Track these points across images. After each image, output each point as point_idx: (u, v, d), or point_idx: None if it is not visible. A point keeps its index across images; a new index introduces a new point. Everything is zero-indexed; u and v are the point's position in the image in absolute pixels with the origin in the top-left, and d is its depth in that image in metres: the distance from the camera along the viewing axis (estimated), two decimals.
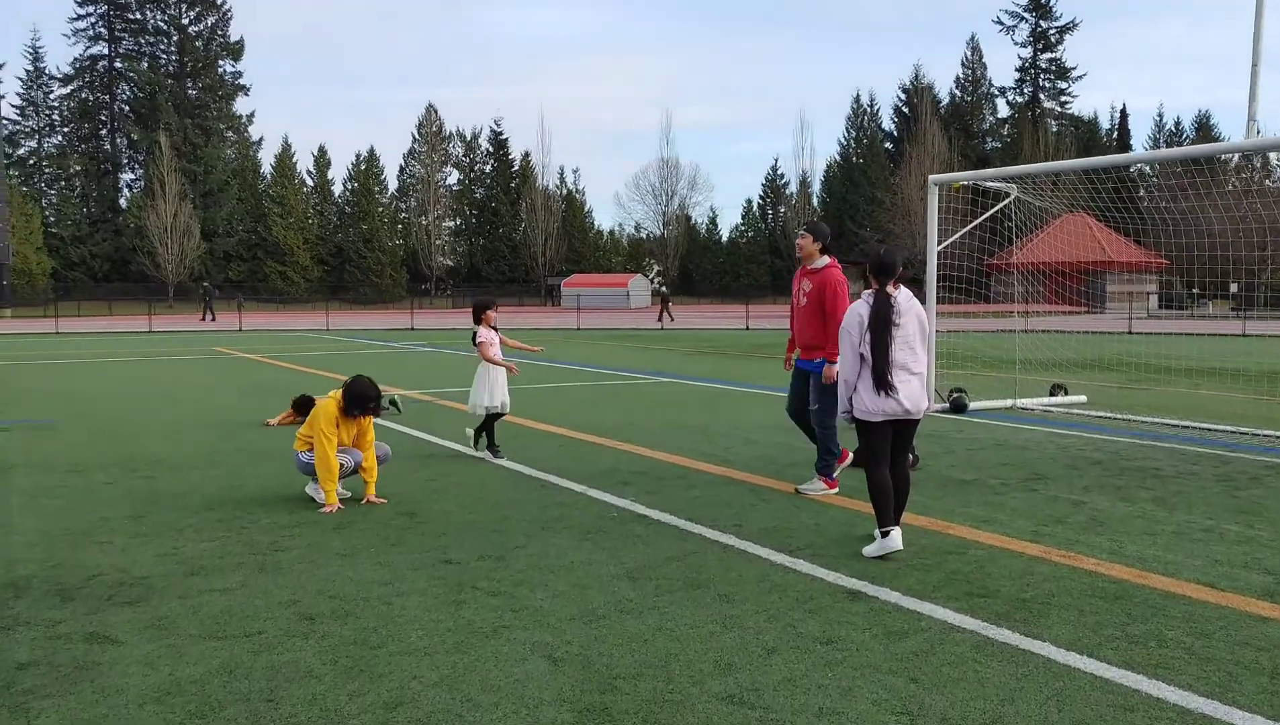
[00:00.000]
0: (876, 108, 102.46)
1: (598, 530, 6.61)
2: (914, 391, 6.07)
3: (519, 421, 11.74)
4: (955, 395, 12.82)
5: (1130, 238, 51.63)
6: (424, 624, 4.78)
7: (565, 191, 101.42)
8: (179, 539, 6.39)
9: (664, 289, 59.37)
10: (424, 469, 8.86)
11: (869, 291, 6.18)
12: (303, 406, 11.38)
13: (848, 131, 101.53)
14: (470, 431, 9.70)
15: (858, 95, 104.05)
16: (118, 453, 9.81)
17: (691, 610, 4.97)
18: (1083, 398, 13.70)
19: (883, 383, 5.96)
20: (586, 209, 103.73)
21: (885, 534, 5.98)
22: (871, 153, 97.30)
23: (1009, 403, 13.18)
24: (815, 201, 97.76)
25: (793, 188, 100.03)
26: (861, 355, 6.05)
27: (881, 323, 6.00)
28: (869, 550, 6.05)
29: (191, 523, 6.84)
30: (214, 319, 49.72)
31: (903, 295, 6.18)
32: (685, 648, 4.46)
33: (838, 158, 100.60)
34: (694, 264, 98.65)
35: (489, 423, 9.48)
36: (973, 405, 12.80)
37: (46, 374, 19.81)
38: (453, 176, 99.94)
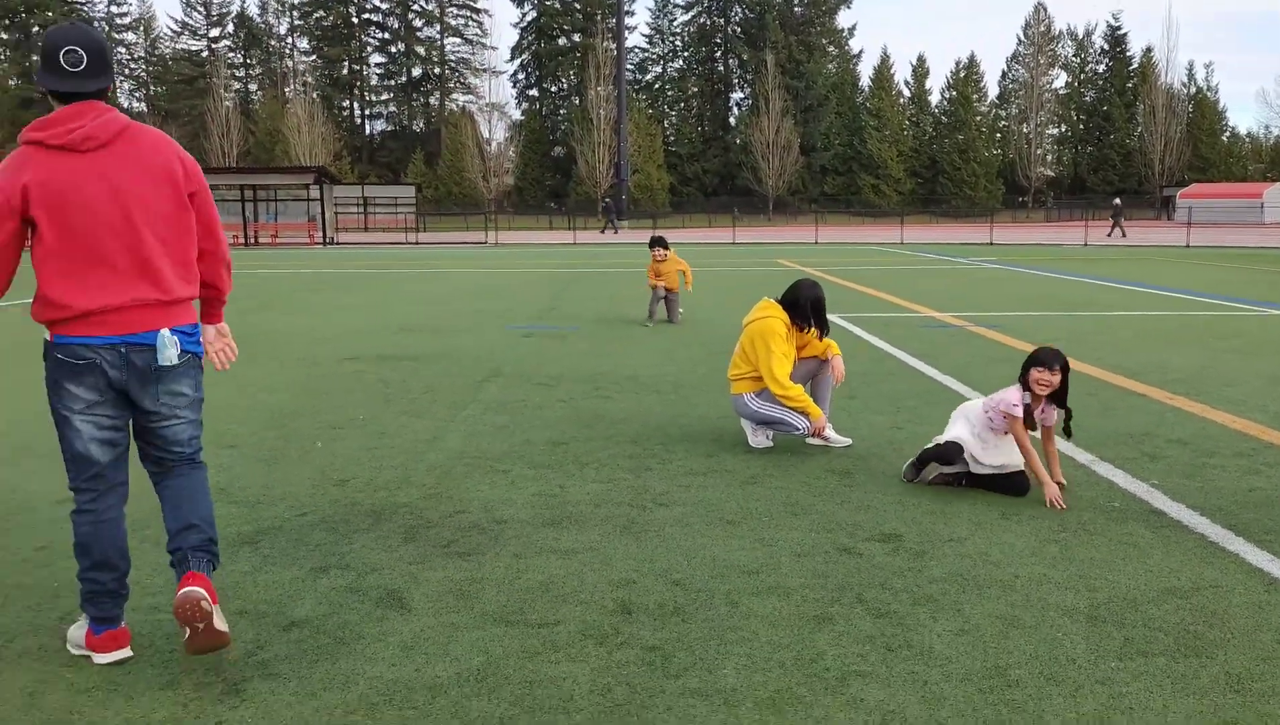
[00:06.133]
0: None
1: (1079, 528, 4.74)
2: None
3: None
4: None
5: None
6: (756, 647, 3.46)
7: (1193, 91, 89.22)
8: (575, 476, 5.65)
9: (1117, 201, 49.03)
10: (891, 413, 7.36)
11: None
12: None
13: None
14: None
15: None
16: (598, 367, 9.54)
17: (1165, 695, 3.10)
18: None
19: None
20: (1220, 109, 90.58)
21: None
22: None
23: None
24: None
25: None
26: None
27: None
28: None
29: (601, 457, 6.10)
30: (616, 232, 54.29)
31: None
32: None
33: None
34: None
35: None
36: None
37: (606, 282, 20.96)
38: (1060, 79, 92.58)
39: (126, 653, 3.37)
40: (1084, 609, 3.77)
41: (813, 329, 6.42)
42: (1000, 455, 5.24)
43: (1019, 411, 5.11)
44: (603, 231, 55.18)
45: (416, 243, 44.65)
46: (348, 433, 6.75)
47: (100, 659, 3.34)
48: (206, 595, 3.19)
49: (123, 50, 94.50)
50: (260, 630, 3.61)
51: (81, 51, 3.15)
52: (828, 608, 3.81)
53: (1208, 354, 10.15)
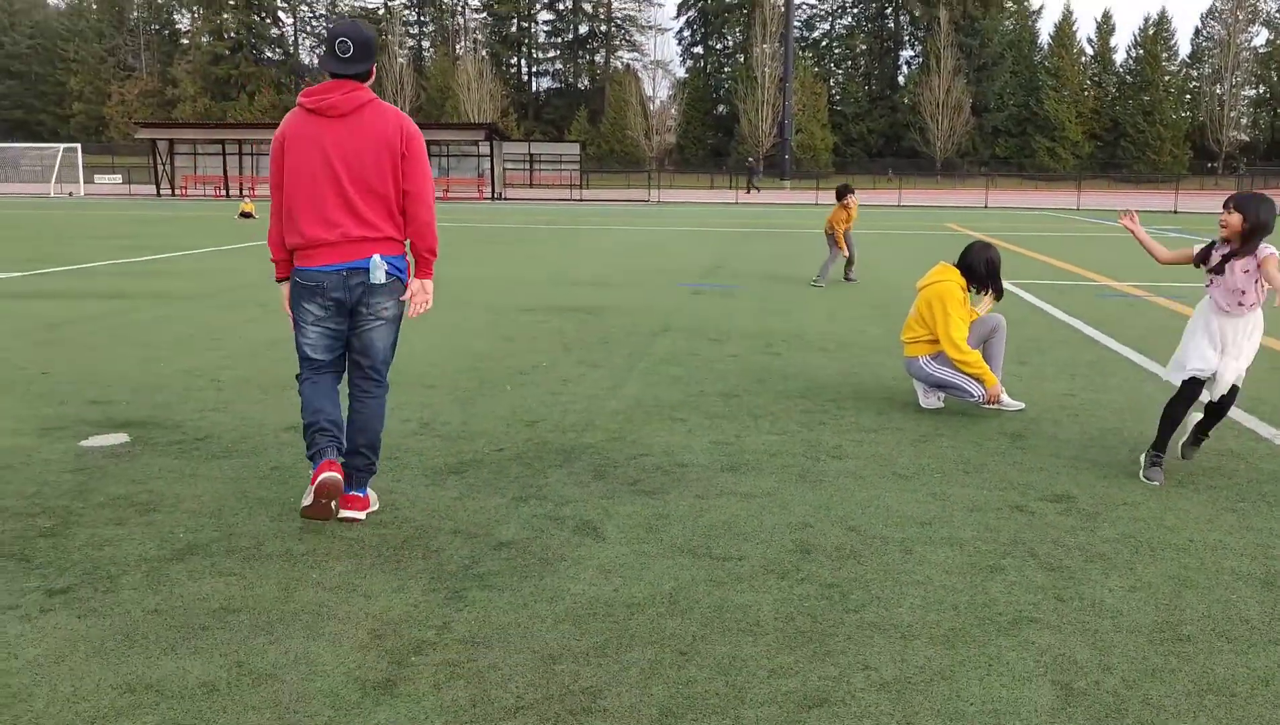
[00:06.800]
0: None
1: (1259, 499, 4.73)
2: None
3: None
4: None
5: None
6: (931, 590, 3.67)
7: None
8: (749, 427, 5.92)
9: None
10: (1065, 380, 7.35)
11: None
12: None
13: None
14: None
15: None
16: (766, 325, 9.75)
17: None
18: None
19: None
20: None
21: None
22: None
23: None
24: None
25: None
26: None
27: None
28: None
29: (773, 410, 6.34)
30: (757, 191, 57.48)
31: None
32: None
33: None
34: None
35: None
36: None
37: (770, 242, 21.02)
38: (1260, 36, 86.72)
39: (336, 475, 4.05)
40: (1260, 575, 3.83)
41: (988, 295, 6.48)
42: (1238, 355, 5.02)
43: (1197, 248, 5.26)
44: (748, 191, 56.48)
45: (581, 200, 45.45)
46: (533, 378, 7.18)
47: (319, 480, 4.01)
48: (341, 482, 4.07)
49: (305, 8, 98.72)
50: (474, 548, 4.02)
51: (350, 42, 3.99)
52: (1000, 559, 3.98)
53: None
